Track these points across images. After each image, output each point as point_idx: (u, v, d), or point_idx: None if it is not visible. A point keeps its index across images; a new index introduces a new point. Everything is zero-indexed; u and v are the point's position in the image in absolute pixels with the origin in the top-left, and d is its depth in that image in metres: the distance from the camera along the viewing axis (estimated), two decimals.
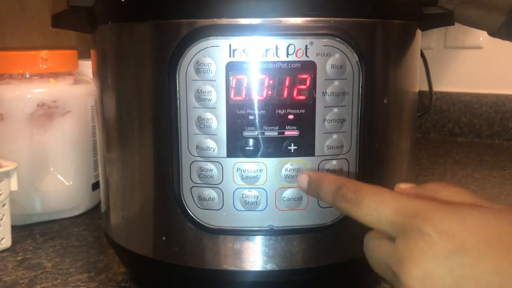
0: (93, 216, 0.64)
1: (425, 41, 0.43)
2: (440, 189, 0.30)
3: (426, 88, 0.80)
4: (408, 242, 0.27)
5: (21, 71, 0.59)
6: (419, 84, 0.46)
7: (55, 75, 0.61)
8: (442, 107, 1.09)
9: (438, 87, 1.07)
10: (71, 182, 0.62)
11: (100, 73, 0.43)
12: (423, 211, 0.27)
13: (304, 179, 0.35)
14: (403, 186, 0.32)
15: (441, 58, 1.09)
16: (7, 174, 0.52)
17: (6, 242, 0.53)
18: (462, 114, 1.07)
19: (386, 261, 0.28)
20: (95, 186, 0.65)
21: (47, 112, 0.59)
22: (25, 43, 0.79)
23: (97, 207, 0.66)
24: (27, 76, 0.59)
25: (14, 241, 0.55)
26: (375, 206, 0.29)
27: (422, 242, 0.26)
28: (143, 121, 0.39)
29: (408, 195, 0.29)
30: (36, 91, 0.59)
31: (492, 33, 0.52)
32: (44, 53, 0.59)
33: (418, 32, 0.43)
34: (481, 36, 1.01)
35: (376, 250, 0.30)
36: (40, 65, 0.59)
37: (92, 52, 0.45)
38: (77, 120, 0.62)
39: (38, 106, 0.58)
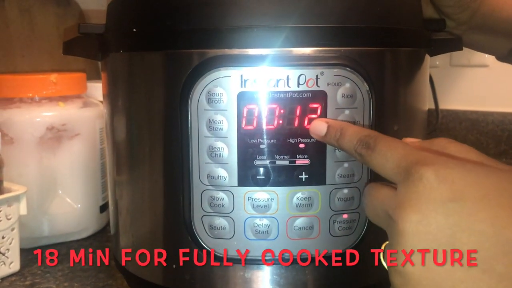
0: (101, 238, 0.64)
1: (431, 59, 0.43)
2: (447, 145, 0.31)
3: (432, 106, 0.80)
4: (408, 187, 0.27)
5: (31, 94, 0.59)
6: None
7: (64, 98, 0.61)
8: (448, 125, 1.09)
9: (444, 105, 1.07)
10: (80, 205, 0.62)
11: (111, 97, 0.44)
12: (427, 159, 0.28)
13: (322, 126, 0.34)
14: (410, 139, 0.33)
15: (447, 76, 1.10)
16: (17, 199, 0.53)
17: (15, 266, 0.53)
18: (468, 132, 1.07)
19: (384, 206, 0.29)
20: (103, 208, 0.65)
21: (56, 135, 0.59)
22: (34, 65, 0.80)
23: (104, 229, 0.66)
24: (37, 100, 0.60)
25: (23, 264, 0.55)
26: (385, 151, 0.30)
27: (422, 186, 0.27)
28: (154, 148, 0.40)
29: (417, 147, 0.30)
30: (46, 115, 0.59)
31: (500, 58, 0.52)
32: (53, 77, 0.60)
33: (427, 57, 0.43)
34: (487, 55, 1.01)
35: (375, 197, 0.31)
36: (50, 89, 0.59)
37: (103, 75, 0.45)
38: (85, 143, 0.62)
39: (48, 130, 0.59)
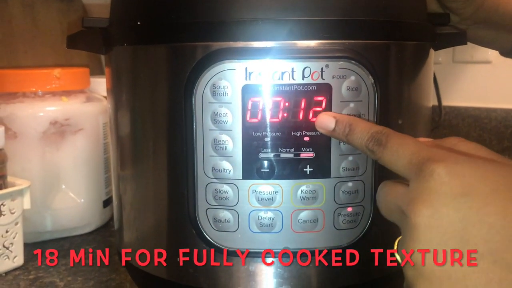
0: (104, 233, 0.64)
1: (434, 55, 0.44)
2: (459, 143, 0.32)
3: (435, 103, 0.79)
4: (420, 182, 0.28)
5: (34, 89, 0.59)
6: None
7: (68, 93, 0.61)
8: (451, 122, 1.09)
9: (447, 102, 1.06)
10: (83, 200, 0.62)
11: (115, 91, 0.44)
12: (438, 155, 0.28)
13: (330, 120, 0.35)
14: (423, 139, 0.34)
15: (450, 73, 1.09)
16: (20, 193, 0.53)
17: (19, 260, 0.54)
18: (471, 129, 1.07)
19: (397, 202, 0.30)
20: (106, 203, 0.65)
21: (59, 130, 0.59)
22: (37, 60, 0.80)
23: (108, 224, 0.66)
24: (40, 94, 0.60)
25: (26, 259, 0.55)
26: (397, 148, 0.30)
27: (433, 182, 0.27)
28: (158, 142, 0.40)
29: (429, 145, 0.31)
30: (49, 109, 0.59)
31: (503, 53, 0.52)
32: (57, 72, 0.60)
33: (431, 51, 0.43)
34: (490, 51, 1.01)
35: (389, 193, 0.31)
36: (53, 84, 0.59)
37: (107, 70, 0.45)
38: (89, 138, 0.62)
39: (51, 124, 0.59)
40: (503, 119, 1.03)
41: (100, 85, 0.67)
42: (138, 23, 0.38)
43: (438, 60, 1.08)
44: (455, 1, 0.47)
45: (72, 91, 0.62)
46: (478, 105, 1.06)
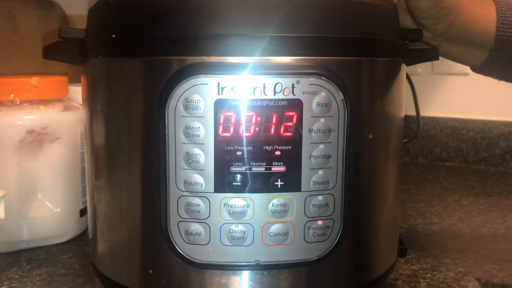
0: (80, 242, 0.64)
1: (413, 67, 0.45)
2: None
3: (414, 113, 0.81)
4: None
5: (11, 97, 0.59)
6: (407, 109, 0.47)
7: (45, 101, 0.61)
8: (430, 132, 1.10)
9: (425, 112, 1.08)
10: (59, 209, 0.62)
11: (90, 102, 0.44)
12: None
13: None
14: None
15: (429, 84, 1.11)
16: None
17: None
18: (449, 139, 1.09)
19: None
20: (83, 212, 0.65)
21: (36, 139, 0.59)
22: (17, 68, 0.79)
23: (84, 233, 0.66)
24: (17, 103, 0.59)
25: (0, 269, 0.54)
26: None
27: None
28: (132, 154, 0.40)
29: None
30: (26, 118, 0.59)
31: (474, 69, 0.53)
32: (34, 80, 0.60)
33: (403, 66, 0.44)
34: None
35: None
36: (31, 92, 0.59)
37: (83, 79, 0.45)
38: (66, 147, 0.62)
39: (28, 133, 0.59)
40: (480, 130, 1.05)
41: (79, 93, 0.67)
42: (113, 36, 0.39)
43: (417, 71, 1.10)
44: (428, 18, 0.48)
45: (50, 99, 0.62)
46: (456, 116, 1.08)
